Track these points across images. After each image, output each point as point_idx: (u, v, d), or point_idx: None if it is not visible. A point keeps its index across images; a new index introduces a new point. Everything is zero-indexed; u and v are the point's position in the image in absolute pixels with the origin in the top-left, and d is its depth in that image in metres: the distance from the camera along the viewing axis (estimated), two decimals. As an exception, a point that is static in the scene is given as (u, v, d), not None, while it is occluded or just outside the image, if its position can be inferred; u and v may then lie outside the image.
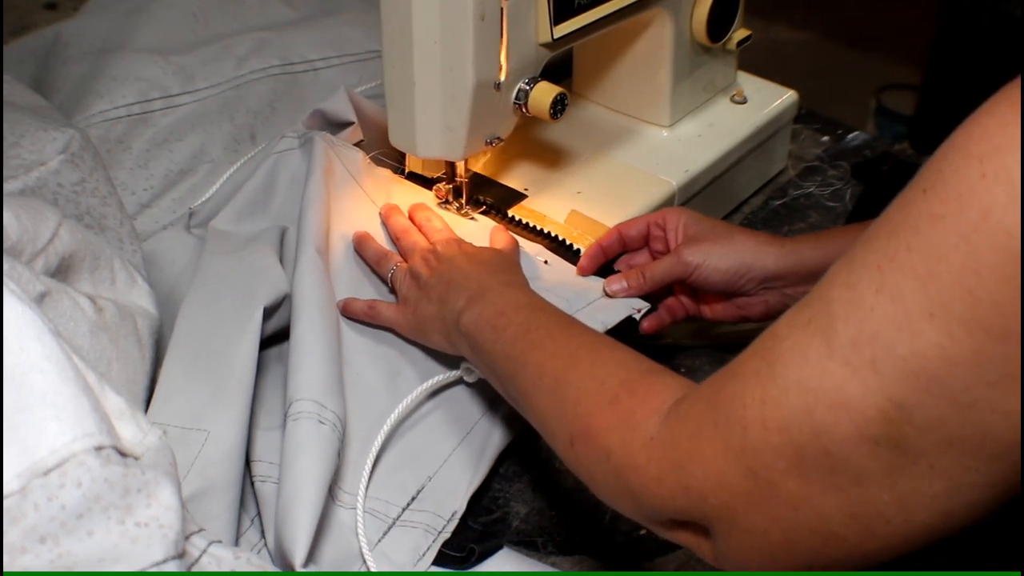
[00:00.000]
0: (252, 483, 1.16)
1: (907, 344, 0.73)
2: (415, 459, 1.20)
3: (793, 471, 0.79)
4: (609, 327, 1.26)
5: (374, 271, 1.33)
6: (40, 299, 1.03)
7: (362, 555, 1.10)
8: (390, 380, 1.26)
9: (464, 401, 1.26)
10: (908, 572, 0.83)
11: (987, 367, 0.71)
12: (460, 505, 1.17)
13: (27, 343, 0.87)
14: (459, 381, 1.24)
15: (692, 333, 1.40)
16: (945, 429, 0.73)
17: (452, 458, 1.21)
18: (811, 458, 0.78)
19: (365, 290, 1.32)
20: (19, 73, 1.71)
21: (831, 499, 0.78)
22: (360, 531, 1.11)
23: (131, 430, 0.91)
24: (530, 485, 1.22)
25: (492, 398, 1.23)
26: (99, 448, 0.86)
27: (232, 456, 1.14)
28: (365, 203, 1.41)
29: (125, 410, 0.92)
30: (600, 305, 1.30)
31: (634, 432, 0.91)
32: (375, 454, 1.17)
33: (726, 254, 1.27)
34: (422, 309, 1.23)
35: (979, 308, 0.70)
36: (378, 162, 1.47)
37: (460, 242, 1.30)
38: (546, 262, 1.36)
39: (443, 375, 1.23)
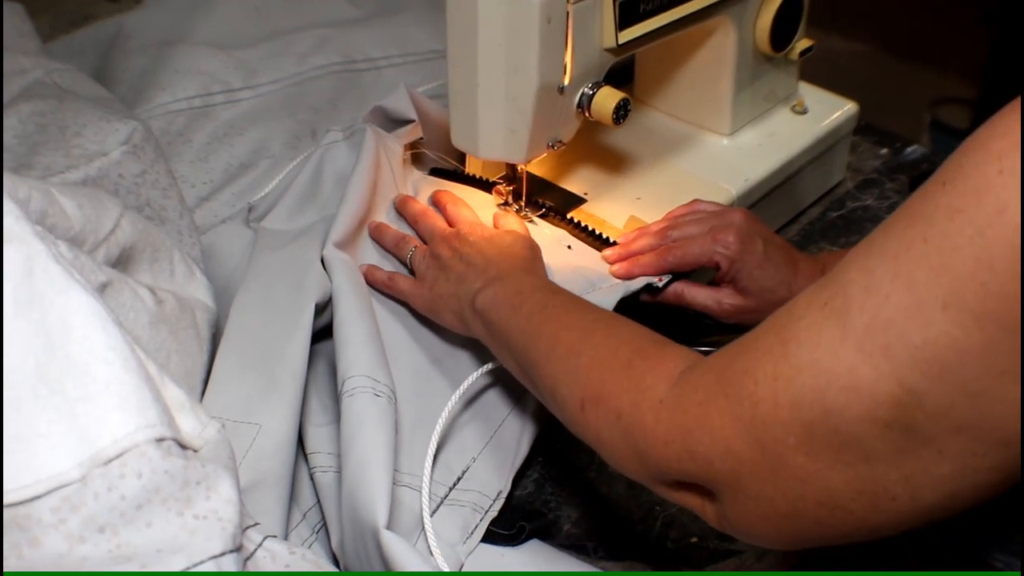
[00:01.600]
0: (311, 475, 1.17)
1: (920, 333, 0.74)
2: (457, 441, 1.21)
3: (802, 447, 0.80)
4: (632, 291, 1.29)
5: (393, 255, 1.35)
6: (102, 289, 1.04)
7: (424, 529, 1.11)
8: (432, 364, 1.28)
9: (502, 384, 1.27)
10: (913, 572, 0.83)
11: (997, 358, 0.72)
12: (505, 485, 1.18)
13: (91, 332, 0.88)
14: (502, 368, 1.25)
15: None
16: (954, 416, 0.74)
17: (494, 440, 1.22)
18: (820, 436, 0.79)
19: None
20: (80, 64, 1.72)
21: (838, 475, 0.80)
22: (425, 505, 1.12)
23: (191, 422, 0.92)
24: (582, 489, 1.22)
25: None
26: (160, 440, 0.86)
27: (284, 450, 1.14)
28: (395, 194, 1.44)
29: (185, 402, 0.93)
30: (621, 284, 1.31)
31: (644, 394, 0.93)
32: (442, 429, 1.17)
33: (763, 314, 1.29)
34: (439, 287, 1.25)
35: (991, 301, 0.71)
36: (418, 157, 1.50)
37: (482, 226, 1.32)
38: (569, 247, 1.37)
39: (492, 363, 1.24)
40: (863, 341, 0.77)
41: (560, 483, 1.23)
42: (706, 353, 0.93)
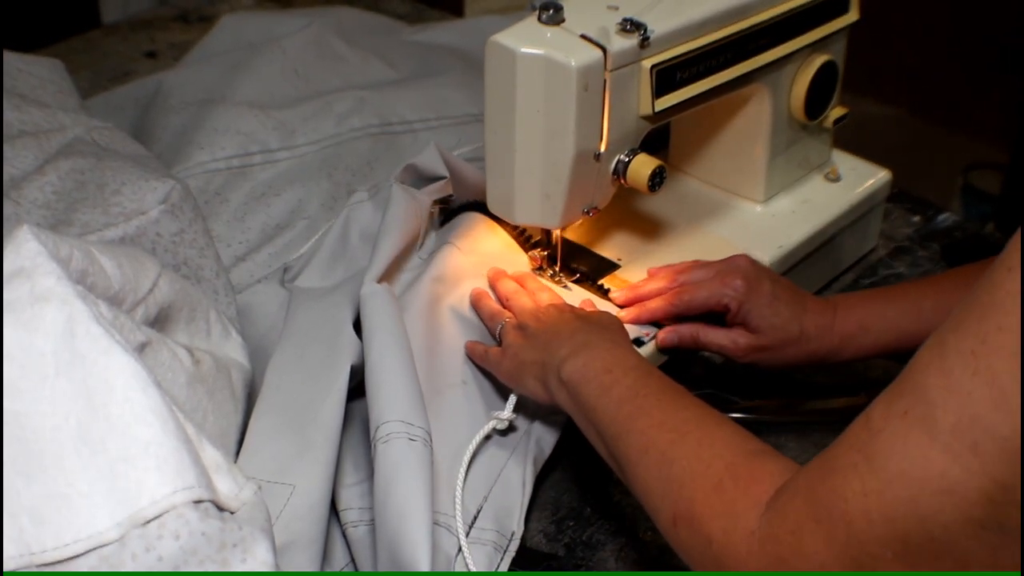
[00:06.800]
0: (343, 532, 1.18)
1: (1007, 424, 0.74)
2: (469, 482, 1.21)
3: (899, 559, 0.80)
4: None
5: (487, 326, 1.35)
6: (141, 349, 1.05)
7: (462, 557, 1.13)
8: (434, 396, 1.28)
9: (498, 430, 1.27)
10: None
11: None
12: (518, 526, 1.19)
13: (132, 394, 0.89)
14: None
15: (776, 410, 1.39)
16: None
17: (499, 482, 1.22)
18: (916, 545, 0.79)
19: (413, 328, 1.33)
20: (119, 121, 1.74)
21: None
22: (462, 539, 1.14)
23: (228, 484, 0.92)
24: (613, 554, 1.21)
25: (530, 415, 1.28)
26: (198, 501, 0.87)
27: (317, 511, 1.15)
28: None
29: (222, 464, 0.93)
30: None
31: (736, 522, 0.92)
32: (463, 475, 1.19)
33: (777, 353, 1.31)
34: (522, 354, 1.23)
35: None
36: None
37: (571, 306, 1.31)
38: (567, 287, 1.41)
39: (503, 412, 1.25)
40: (951, 442, 0.76)
41: (591, 547, 1.22)
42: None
